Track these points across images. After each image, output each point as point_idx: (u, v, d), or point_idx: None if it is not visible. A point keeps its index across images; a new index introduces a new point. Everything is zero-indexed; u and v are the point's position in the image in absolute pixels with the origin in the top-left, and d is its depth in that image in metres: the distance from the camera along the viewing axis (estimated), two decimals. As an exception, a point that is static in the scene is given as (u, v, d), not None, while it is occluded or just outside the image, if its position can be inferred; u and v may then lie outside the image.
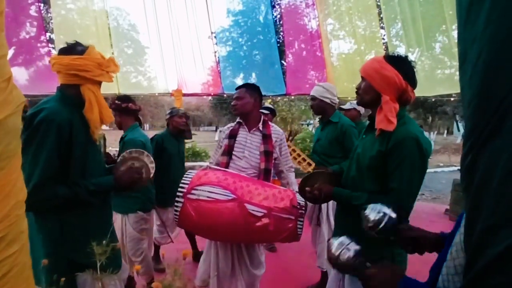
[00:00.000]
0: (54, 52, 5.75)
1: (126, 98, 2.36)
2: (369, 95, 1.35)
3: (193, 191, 1.64)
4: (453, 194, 4.96)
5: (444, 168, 11.79)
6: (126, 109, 2.29)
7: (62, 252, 1.30)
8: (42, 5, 5.87)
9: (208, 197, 1.62)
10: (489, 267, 0.47)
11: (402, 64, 1.29)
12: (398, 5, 5.07)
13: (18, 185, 0.71)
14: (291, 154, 2.71)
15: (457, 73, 0.58)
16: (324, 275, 2.61)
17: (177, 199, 1.65)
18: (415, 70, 1.32)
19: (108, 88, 5.24)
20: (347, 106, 3.43)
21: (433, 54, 5.20)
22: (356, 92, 1.43)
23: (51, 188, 1.22)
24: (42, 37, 5.90)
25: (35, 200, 1.19)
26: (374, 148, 1.31)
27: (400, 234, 1.04)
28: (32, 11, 5.80)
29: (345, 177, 1.51)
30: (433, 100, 10.86)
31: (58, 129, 1.22)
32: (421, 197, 6.69)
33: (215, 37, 6.29)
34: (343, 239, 0.99)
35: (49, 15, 6.15)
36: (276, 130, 2.08)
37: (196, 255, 3.01)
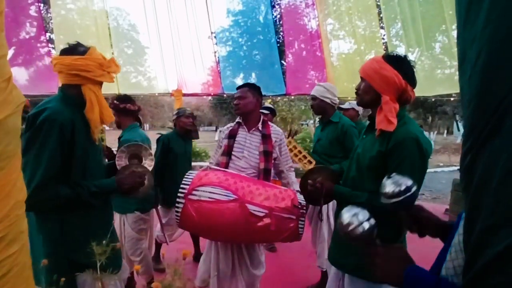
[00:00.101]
0: (54, 52, 5.76)
1: (125, 98, 2.34)
2: (369, 95, 1.35)
3: (194, 192, 1.64)
4: (453, 194, 4.95)
5: (444, 168, 11.79)
6: (124, 109, 2.28)
7: (62, 252, 1.30)
8: (42, 5, 5.88)
9: (209, 197, 1.62)
10: (489, 267, 0.47)
11: (401, 64, 1.29)
12: (398, 5, 5.07)
13: (18, 185, 0.71)
14: (292, 151, 2.71)
15: (457, 73, 0.58)
16: (324, 275, 2.61)
17: (178, 200, 1.65)
18: (414, 69, 1.32)
19: (108, 88, 5.24)
20: (345, 106, 3.44)
21: (433, 54, 5.21)
22: (356, 93, 1.43)
23: (53, 188, 1.23)
24: (42, 37, 5.90)
25: (37, 199, 1.19)
26: (374, 148, 1.31)
27: (412, 212, 0.99)
28: (32, 11, 5.80)
29: (345, 177, 1.51)
30: (433, 100, 10.87)
31: (61, 128, 1.23)
32: (421, 197, 6.70)
33: (215, 37, 6.30)
34: (358, 210, 0.91)
35: (49, 15, 6.16)
36: (276, 130, 2.08)
37: (197, 255, 3.02)
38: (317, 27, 5.91)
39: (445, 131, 28.45)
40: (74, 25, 5.95)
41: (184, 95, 5.86)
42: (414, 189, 0.95)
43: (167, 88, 6.11)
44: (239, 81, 6.14)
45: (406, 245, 1.37)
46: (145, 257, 2.42)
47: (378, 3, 5.45)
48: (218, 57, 6.25)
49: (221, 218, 1.60)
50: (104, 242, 0.93)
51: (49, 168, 1.21)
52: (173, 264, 0.86)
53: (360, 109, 3.47)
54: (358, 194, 1.35)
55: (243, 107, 1.99)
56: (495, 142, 0.47)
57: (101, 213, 1.44)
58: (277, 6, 6.44)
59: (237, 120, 2.10)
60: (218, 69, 6.19)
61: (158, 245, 3.03)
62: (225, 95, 6.88)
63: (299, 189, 1.75)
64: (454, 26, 4.44)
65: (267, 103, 4.30)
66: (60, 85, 1.39)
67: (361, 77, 1.38)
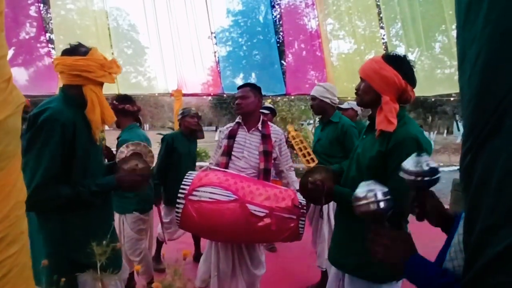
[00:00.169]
0: (54, 53, 5.76)
1: (124, 99, 2.34)
2: (368, 96, 1.35)
3: (194, 193, 1.64)
4: (453, 193, 4.96)
5: (444, 167, 11.79)
6: (123, 110, 2.27)
7: (63, 252, 1.30)
8: (41, 5, 5.88)
9: (209, 198, 1.62)
10: (489, 267, 0.48)
11: (401, 64, 1.29)
12: (398, 5, 5.08)
13: (18, 186, 0.71)
14: (297, 144, 2.70)
15: (457, 72, 0.58)
16: (324, 275, 2.61)
17: (178, 200, 1.65)
18: (414, 69, 1.32)
19: (108, 89, 5.24)
20: (344, 105, 3.45)
21: (433, 53, 5.21)
22: (356, 93, 1.42)
23: (53, 188, 1.23)
24: (42, 38, 5.90)
25: (37, 199, 1.19)
26: (374, 149, 1.31)
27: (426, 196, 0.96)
28: (32, 11, 5.80)
29: (345, 177, 1.51)
30: (433, 99, 10.86)
31: (62, 128, 1.23)
32: (421, 196, 6.68)
33: (214, 37, 6.30)
34: (377, 187, 0.87)
35: (48, 15, 6.15)
36: (276, 130, 2.08)
37: (197, 256, 3.02)
38: (317, 27, 5.91)
39: (445, 131, 28.45)
40: (74, 25, 5.95)
41: (184, 95, 5.86)
42: (438, 175, 0.90)
43: (167, 88, 6.11)
44: (239, 81, 6.13)
45: None
46: (144, 257, 2.42)
47: (378, 3, 5.45)
48: (218, 57, 6.24)
49: (222, 218, 1.60)
50: (104, 242, 0.93)
51: (49, 168, 1.21)
52: (173, 264, 0.86)
53: (358, 109, 3.48)
54: None
55: (246, 107, 1.99)
56: (494, 142, 0.47)
57: (101, 212, 1.44)
58: (277, 6, 6.43)
59: (236, 120, 2.10)
60: (218, 69, 6.19)
61: (159, 245, 3.03)
62: (225, 95, 6.88)
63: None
64: (454, 26, 4.44)
65: (267, 103, 4.30)
66: (61, 85, 1.40)
67: (361, 78, 1.38)
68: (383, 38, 5.87)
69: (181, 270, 0.84)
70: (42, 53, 5.98)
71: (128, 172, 1.48)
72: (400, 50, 5.38)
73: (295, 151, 2.66)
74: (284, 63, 6.59)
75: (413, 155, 0.92)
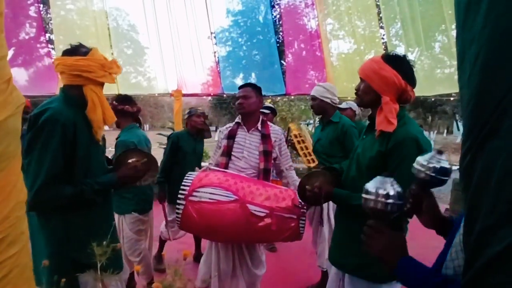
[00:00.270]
0: (54, 53, 5.75)
1: (124, 99, 2.33)
2: (368, 96, 1.35)
3: (194, 193, 1.64)
4: (453, 193, 4.96)
5: (444, 167, 11.76)
6: (122, 111, 2.27)
7: (66, 252, 1.30)
8: (41, 5, 5.87)
9: (210, 198, 1.63)
10: (489, 267, 0.48)
11: (401, 64, 1.29)
12: (398, 4, 5.07)
13: (18, 186, 0.71)
14: (299, 143, 2.70)
15: (457, 72, 0.58)
16: (325, 275, 2.61)
17: (178, 201, 1.65)
18: (414, 69, 1.32)
19: (108, 89, 5.23)
20: (343, 105, 3.47)
21: (433, 53, 5.20)
22: (356, 93, 1.42)
23: (56, 188, 1.24)
24: (42, 38, 5.89)
25: (41, 200, 1.20)
26: (374, 149, 1.31)
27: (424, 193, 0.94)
28: (32, 11, 5.80)
29: (345, 177, 1.51)
30: (433, 99, 10.87)
31: (63, 129, 1.24)
32: (421, 196, 6.68)
33: (214, 37, 6.29)
34: (389, 185, 0.84)
35: (48, 15, 6.15)
36: (275, 130, 2.08)
37: (198, 256, 3.02)
38: (317, 27, 5.90)
39: (445, 131, 28.44)
40: (73, 26, 5.94)
41: (184, 95, 5.85)
42: (447, 178, 0.88)
43: (167, 88, 6.10)
44: (239, 81, 6.13)
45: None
46: (144, 258, 2.42)
47: (378, 3, 5.44)
48: (218, 57, 6.23)
49: (222, 219, 1.60)
50: (105, 242, 0.93)
51: (52, 168, 1.22)
52: (174, 264, 0.86)
53: (357, 109, 3.51)
54: (358, 196, 1.35)
55: (248, 107, 1.99)
56: (494, 141, 0.47)
57: (103, 212, 1.45)
58: (276, 6, 6.43)
59: (236, 120, 2.09)
60: (218, 69, 6.18)
61: (162, 244, 3.04)
62: (225, 95, 6.87)
63: None
64: (454, 26, 4.43)
65: (267, 103, 4.31)
66: (61, 85, 1.40)
67: (361, 78, 1.38)
68: (382, 38, 5.87)
69: (182, 270, 0.84)
70: (42, 54, 5.97)
71: (128, 168, 1.49)
72: (400, 50, 5.38)
73: (295, 151, 2.67)
74: (284, 63, 6.58)
75: (432, 152, 0.89)
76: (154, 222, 2.62)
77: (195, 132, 3.00)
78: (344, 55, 6.12)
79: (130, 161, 1.52)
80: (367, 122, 1.46)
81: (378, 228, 0.82)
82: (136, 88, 6.58)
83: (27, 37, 5.85)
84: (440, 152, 0.88)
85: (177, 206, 1.65)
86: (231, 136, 2.03)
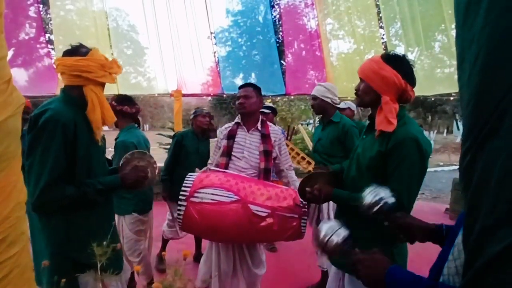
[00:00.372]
0: (54, 53, 5.76)
1: (123, 99, 2.32)
2: (368, 96, 1.35)
3: (195, 194, 1.64)
4: (453, 193, 4.96)
5: (444, 167, 11.80)
6: (120, 111, 2.27)
7: (67, 252, 1.30)
8: (41, 6, 5.87)
9: (211, 199, 1.62)
10: (488, 267, 0.48)
11: (400, 63, 1.29)
12: (397, 4, 5.07)
13: (18, 187, 0.71)
14: (289, 153, 2.73)
15: (457, 72, 0.58)
16: (325, 274, 2.61)
17: (179, 202, 1.65)
18: (414, 69, 1.32)
19: (108, 89, 5.21)
20: (342, 105, 3.48)
21: (433, 53, 5.20)
22: (356, 94, 1.42)
23: (59, 189, 1.24)
24: (42, 38, 5.89)
25: (45, 200, 1.20)
26: (374, 149, 1.31)
27: (394, 220, 1.04)
28: (31, 12, 5.80)
29: (345, 177, 1.51)
30: (433, 99, 10.86)
31: (63, 129, 1.24)
32: (421, 196, 6.70)
33: (214, 37, 6.29)
34: (332, 224, 0.98)
35: (48, 16, 6.15)
36: (275, 130, 2.08)
37: (198, 256, 3.02)
38: (317, 27, 5.91)
39: (445, 130, 28.45)
40: (73, 26, 5.94)
41: (184, 95, 5.85)
42: (390, 199, 1.04)
43: (167, 88, 6.10)
44: (239, 81, 6.13)
45: (407, 248, 1.37)
46: (144, 258, 2.42)
47: (377, 3, 5.44)
48: (218, 57, 6.23)
49: (224, 219, 1.60)
50: (106, 242, 0.93)
51: (54, 168, 1.22)
52: (174, 264, 0.86)
53: (355, 109, 3.53)
54: (357, 196, 1.35)
55: (249, 106, 1.98)
56: (494, 142, 0.47)
57: (104, 212, 1.46)
58: (276, 6, 6.43)
59: (235, 120, 2.09)
60: (218, 69, 6.18)
61: (165, 243, 3.04)
62: (224, 95, 6.87)
63: None
64: (454, 26, 4.43)
65: (267, 103, 4.31)
66: (62, 86, 1.41)
67: (360, 78, 1.38)
68: (382, 38, 5.87)
69: (182, 270, 0.84)
70: (41, 54, 5.97)
71: (131, 170, 1.50)
72: (400, 50, 5.39)
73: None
74: (284, 63, 6.58)
75: (363, 192, 1.10)
76: (154, 222, 2.62)
77: (200, 132, 3.03)
78: (344, 55, 6.12)
79: (129, 165, 1.53)
80: (367, 122, 1.46)
81: (353, 261, 0.85)
82: (136, 88, 6.58)
83: (27, 37, 5.85)
84: (363, 190, 1.09)
85: (178, 208, 1.65)
86: (231, 136, 2.02)
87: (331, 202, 2.37)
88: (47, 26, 6.23)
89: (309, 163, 2.54)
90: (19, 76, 5.64)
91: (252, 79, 6.26)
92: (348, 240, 0.93)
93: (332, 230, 0.95)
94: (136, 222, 2.36)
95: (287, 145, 2.74)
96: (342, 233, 0.94)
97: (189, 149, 2.93)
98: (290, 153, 2.71)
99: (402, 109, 1.32)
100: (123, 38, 6.68)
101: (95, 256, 0.89)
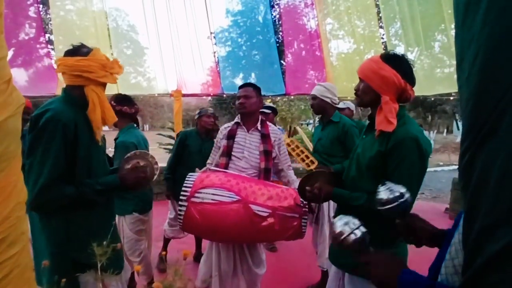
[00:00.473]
0: (53, 53, 5.76)
1: (122, 99, 2.31)
2: (368, 96, 1.35)
3: (196, 195, 1.64)
4: (453, 193, 4.96)
5: (444, 167, 11.81)
6: (120, 112, 2.26)
7: (67, 252, 1.30)
8: (41, 6, 5.87)
9: (212, 199, 1.62)
10: (488, 266, 0.48)
11: (400, 63, 1.29)
12: (397, 4, 5.07)
13: (18, 187, 0.71)
14: (294, 150, 2.72)
15: (456, 72, 0.58)
16: (325, 274, 2.61)
17: (180, 203, 1.65)
18: (413, 69, 1.32)
19: (108, 89, 5.21)
20: (341, 105, 3.49)
21: (432, 53, 5.21)
22: (355, 94, 1.42)
23: (59, 188, 1.24)
24: (41, 38, 5.89)
25: (43, 200, 1.20)
26: (373, 148, 1.31)
27: (408, 221, 1.01)
28: (31, 12, 5.79)
29: (345, 177, 1.51)
30: (433, 99, 10.86)
31: (64, 129, 1.24)
32: (421, 196, 6.70)
33: (214, 37, 6.29)
34: (349, 219, 0.94)
35: (48, 16, 6.14)
36: (274, 130, 2.09)
37: (198, 256, 3.02)
38: (316, 26, 5.91)
39: (445, 130, 28.45)
40: (73, 26, 5.94)
41: (184, 95, 5.85)
42: (407, 196, 0.98)
43: (167, 88, 6.10)
44: (239, 81, 6.13)
45: (407, 248, 1.37)
46: (144, 258, 2.42)
47: (377, 3, 5.44)
48: (218, 57, 6.24)
49: (226, 219, 1.60)
50: (106, 242, 0.93)
51: (54, 168, 1.22)
52: (174, 264, 0.86)
53: (354, 109, 3.55)
54: (357, 196, 1.35)
55: (249, 106, 1.99)
56: (493, 141, 0.47)
57: (105, 212, 1.46)
58: (276, 6, 6.43)
59: (235, 120, 2.09)
60: (218, 69, 6.18)
61: (166, 243, 3.05)
62: (224, 95, 6.87)
63: None
64: (453, 25, 4.43)
65: (267, 103, 4.32)
66: (62, 86, 1.41)
67: (360, 78, 1.38)
68: (382, 38, 5.87)
69: (182, 270, 0.84)
70: (41, 54, 5.97)
71: (130, 171, 1.49)
72: (400, 50, 5.39)
73: (293, 158, 2.68)
74: (284, 63, 6.58)
75: (379, 186, 1.03)
76: (154, 222, 2.62)
77: (204, 132, 3.04)
78: (343, 55, 6.13)
79: (128, 165, 1.53)
80: (367, 121, 1.46)
81: (366, 259, 0.84)
82: (136, 88, 6.58)
83: (26, 37, 5.85)
84: (383, 183, 1.03)
85: (179, 208, 1.65)
86: (230, 136, 2.03)
87: (331, 202, 2.37)
88: (47, 26, 6.23)
89: (312, 162, 2.54)
90: (19, 76, 5.64)
91: (252, 79, 6.26)
92: (366, 237, 0.90)
93: (352, 226, 0.91)
94: (136, 222, 2.36)
95: (293, 142, 2.74)
96: (362, 231, 0.91)
97: (192, 149, 2.94)
98: (295, 150, 2.70)
99: (402, 109, 1.32)
100: (123, 38, 6.68)
101: (96, 256, 0.89)
